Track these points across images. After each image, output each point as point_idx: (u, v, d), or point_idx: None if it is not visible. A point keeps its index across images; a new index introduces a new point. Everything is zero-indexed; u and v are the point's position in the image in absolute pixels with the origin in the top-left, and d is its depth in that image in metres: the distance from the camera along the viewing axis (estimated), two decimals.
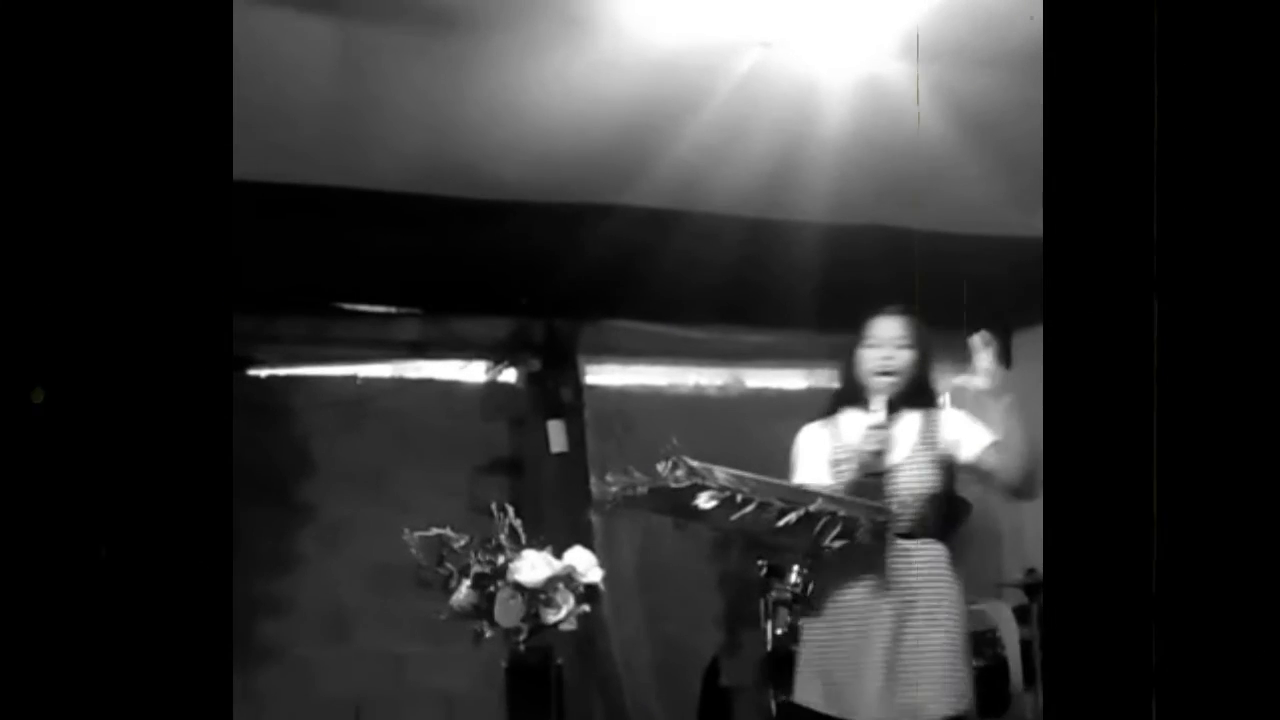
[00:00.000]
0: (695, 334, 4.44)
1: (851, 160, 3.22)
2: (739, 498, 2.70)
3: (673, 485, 2.74)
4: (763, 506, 2.77)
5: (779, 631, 3.49)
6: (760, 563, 3.41)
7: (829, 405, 2.80)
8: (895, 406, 2.63)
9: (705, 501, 2.76)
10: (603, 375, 4.48)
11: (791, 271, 3.80)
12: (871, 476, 2.63)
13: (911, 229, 3.74)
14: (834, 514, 2.69)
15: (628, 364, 4.53)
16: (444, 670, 4.03)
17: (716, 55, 2.77)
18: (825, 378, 4.79)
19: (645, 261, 3.79)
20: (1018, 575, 4.18)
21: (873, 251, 3.83)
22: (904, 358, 2.66)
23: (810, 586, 3.55)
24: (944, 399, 2.69)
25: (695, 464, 2.71)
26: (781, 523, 2.71)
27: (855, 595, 2.67)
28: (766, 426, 4.40)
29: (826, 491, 2.65)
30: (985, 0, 2.57)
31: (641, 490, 2.87)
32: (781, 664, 3.52)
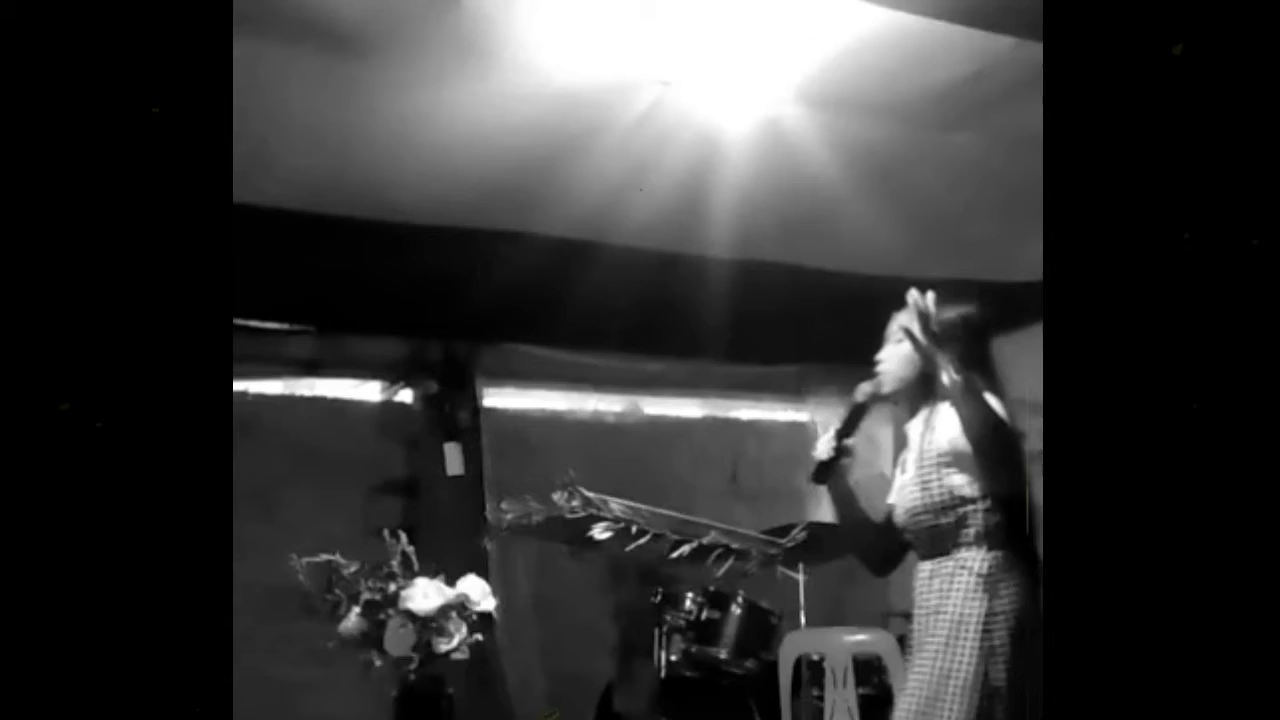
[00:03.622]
0: (595, 360, 4.45)
1: (751, 198, 3.27)
2: (634, 529, 2.75)
3: (568, 516, 2.77)
4: (657, 538, 2.82)
5: (672, 658, 3.53)
6: (654, 591, 3.44)
7: None
8: (859, 413, 2.37)
9: (600, 532, 2.80)
10: (501, 398, 4.45)
11: (691, 302, 3.84)
12: (820, 482, 2.41)
13: (809, 266, 3.84)
14: (726, 546, 2.76)
15: (526, 388, 4.52)
16: (333, 699, 3.92)
17: (616, 91, 2.80)
18: (722, 407, 4.90)
19: (546, 288, 3.79)
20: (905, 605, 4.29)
21: (773, 286, 3.92)
22: (888, 356, 2.38)
23: (704, 614, 3.61)
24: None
25: (591, 495, 2.74)
26: (675, 554, 2.76)
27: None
28: (664, 453, 4.48)
29: (719, 525, 2.69)
30: (879, 51, 2.65)
31: (537, 519, 2.89)
32: (675, 690, 3.56)
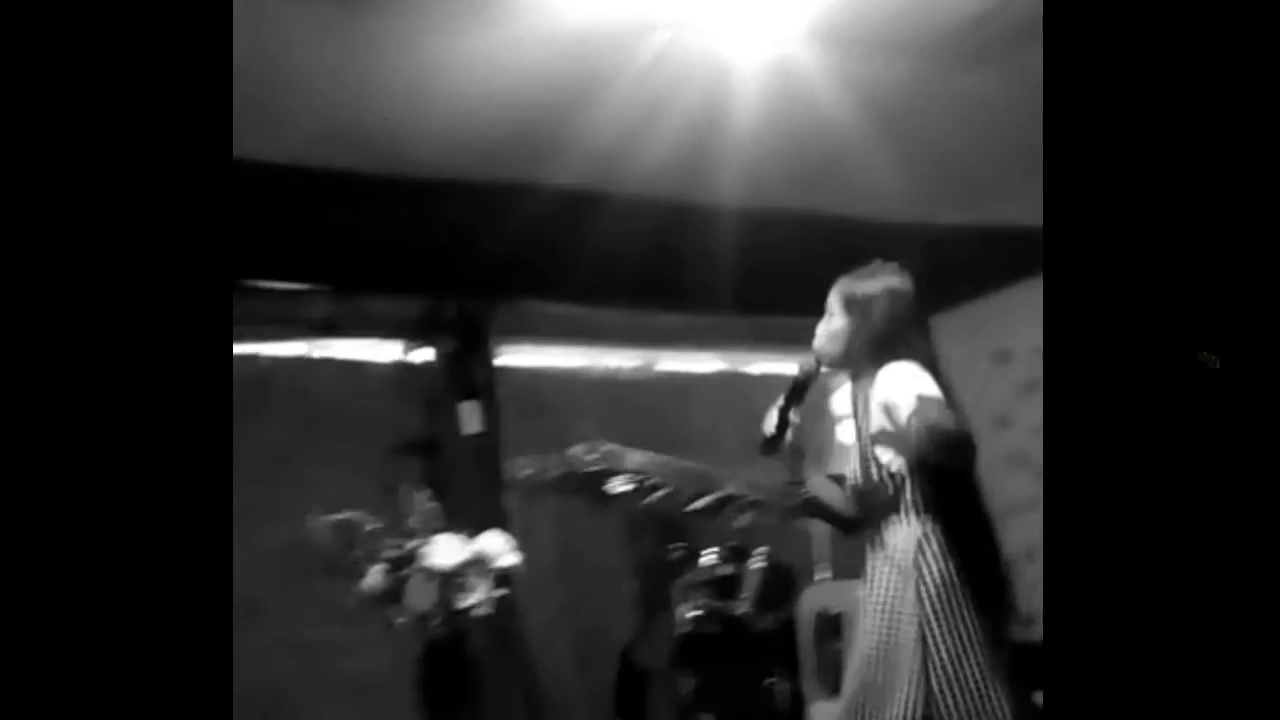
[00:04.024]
0: (610, 316, 4.44)
1: (764, 143, 3.24)
2: (651, 482, 2.72)
3: (586, 470, 2.74)
4: (675, 490, 2.80)
5: (692, 614, 3.54)
6: (673, 546, 3.44)
7: None
8: (801, 387, 2.43)
9: (618, 486, 2.77)
10: (517, 357, 4.45)
11: (705, 254, 3.82)
12: (768, 454, 2.47)
13: (823, 213, 3.80)
14: (745, 497, 2.73)
15: (542, 345, 4.51)
16: (356, 657, 3.96)
17: (628, 34, 2.77)
18: (738, 361, 4.87)
19: (560, 242, 3.78)
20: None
21: (786, 235, 3.88)
22: (825, 329, 2.42)
23: (724, 569, 3.63)
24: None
25: (609, 448, 2.72)
26: (693, 506, 2.74)
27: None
28: (680, 409, 4.46)
29: (737, 475, 2.67)
30: None
31: (555, 474, 2.87)
32: (696, 645, 3.58)
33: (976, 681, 2.18)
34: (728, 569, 3.63)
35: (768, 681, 3.56)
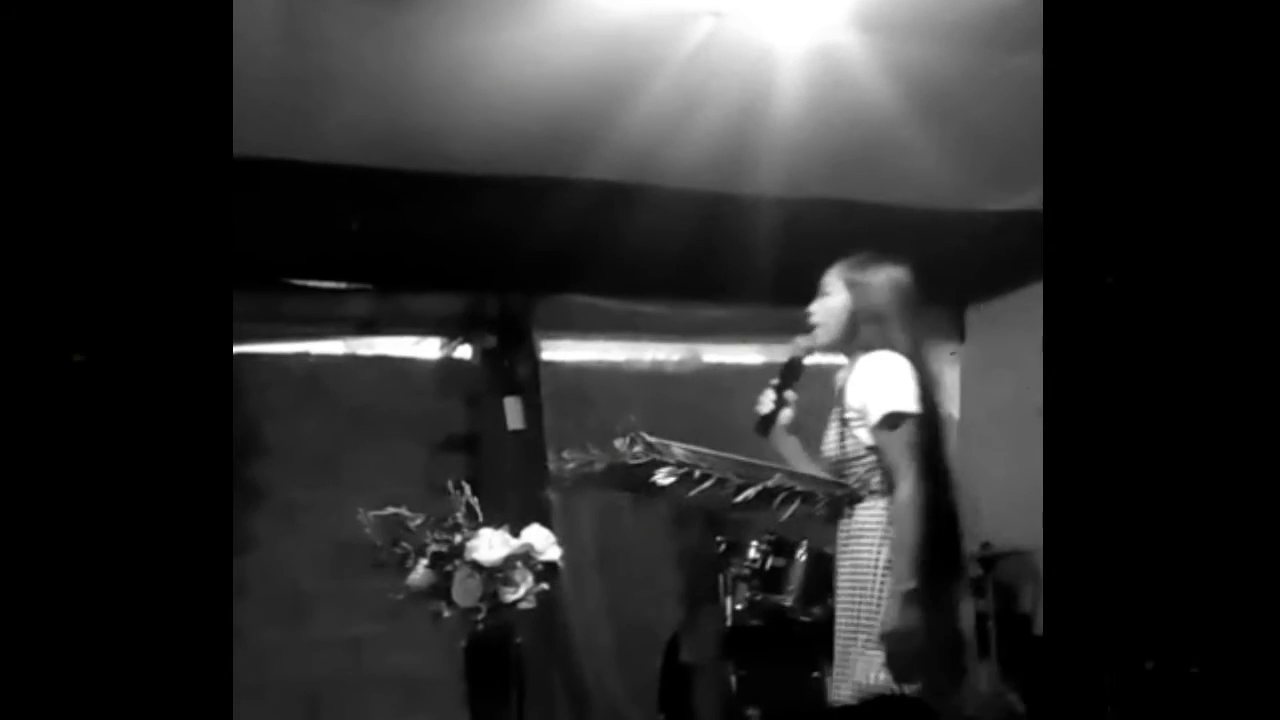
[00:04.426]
0: (651, 309, 4.44)
1: (805, 132, 3.21)
2: (697, 474, 2.70)
3: (630, 462, 2.73)
4: (720, 482, 2.77)
5: (738, 607, 3.53)
6: (719, 539, 3.43)
7: None
8: (795, 366, 2.57)
9: (663, 478, 2.75)
10: (559, 351, 4.46)
11: (746, 246, 3.80)
12: (763, 434, 2.60)
13: (864, 201, 3.76)
14: (791, 489, 2.70)
15: (584, 340, 4.52)
16: (402, 651, 4.01)
17: (669, 25, 2.76)
18: (781, 352, 4.85)
19: (600, 236, 3.78)
20: (973, 548, 4.25)
21: (827, 225, 3.84)
22: (823, 309, 2.56)
23: (769, 562, 3.62)
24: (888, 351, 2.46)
25: (653, 440, 2.70)
26: (739, 498, 2.71)
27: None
28: (723, 401, 4.44)
29: (784, 467, 2.65)
30: None
31: (599, 467, 2.86)
32: (742, 639, 3.56)
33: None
34: (773, 561, 3.61)
35: (814, 675, 3.53)
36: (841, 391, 2.52)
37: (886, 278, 2.52)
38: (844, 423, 2.50)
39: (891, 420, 2.40)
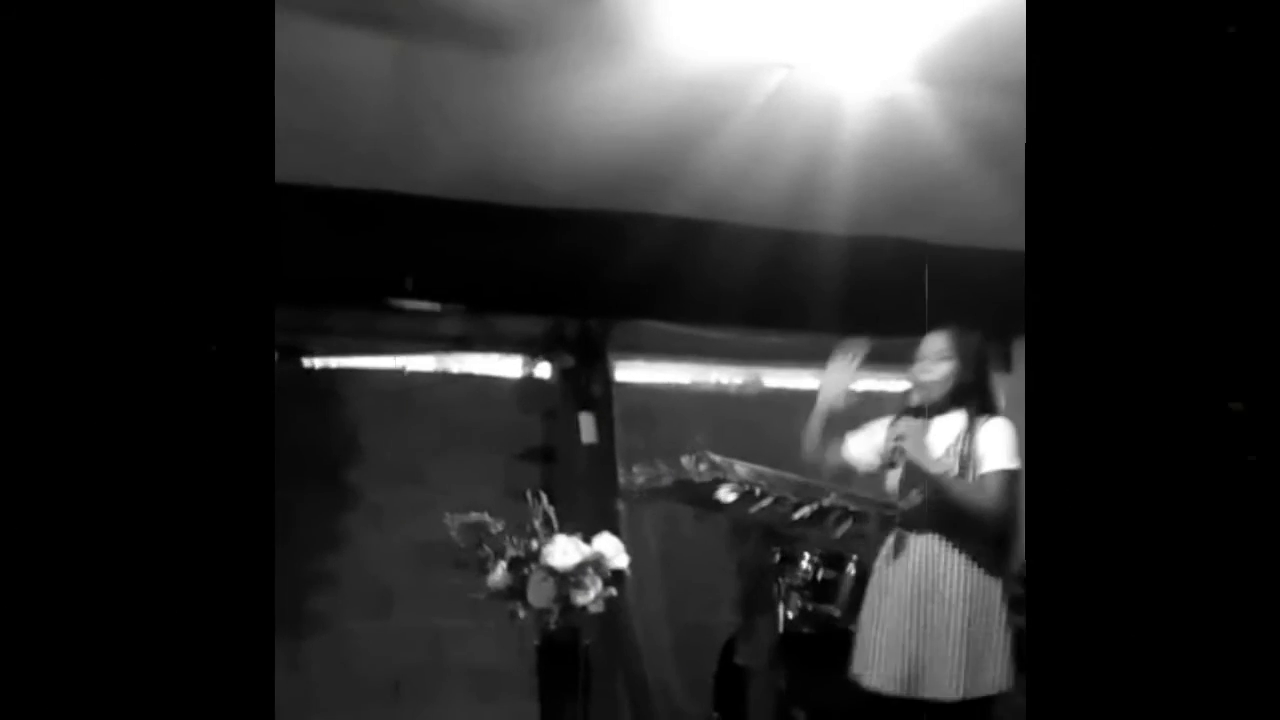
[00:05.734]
0: (718, 335, 4.53)
1: (869, 176, 3.33)
2: (758, 491, 2.89)
3: (696, 479, 2.93)
4: (779, 500, 2.97)
5: (790, 615, 3.63)
6: (774, 550, 3.56)
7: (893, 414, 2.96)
8: (923, 413, 2.81)
9: (726, 495, 2.95)
10: (631, 372, 4.59)
11: (810, 278, 3.91)
12: (889, 469, 2.81)
13: (924, 241, 3.88)
14: (845, 508, 2.89)
15: (654, 362, 4.64)
16: (479, 646, 4.15)
17: (744, 75, 2.89)
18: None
19: (673, 267, 3.90)
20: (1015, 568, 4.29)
21: (887, 261, 3.98)
22: (940, 370, 2.82)
23: (820, 574, 3.74)
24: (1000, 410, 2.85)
25: (718, 459, 2.90)
26: (797, 516, 2.90)
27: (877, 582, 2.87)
28: (783, 424, 4.51)
29: (839, 488, 2.82)
30: (996, 28, 2.65)
31: (666, 482, 3.06)
32: (793, 645, 3.68)
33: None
34: (825, 574, 3.72)
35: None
36: (960, 439, 2.78)
37: (981, 343, 2.87)
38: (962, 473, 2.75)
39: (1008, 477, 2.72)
